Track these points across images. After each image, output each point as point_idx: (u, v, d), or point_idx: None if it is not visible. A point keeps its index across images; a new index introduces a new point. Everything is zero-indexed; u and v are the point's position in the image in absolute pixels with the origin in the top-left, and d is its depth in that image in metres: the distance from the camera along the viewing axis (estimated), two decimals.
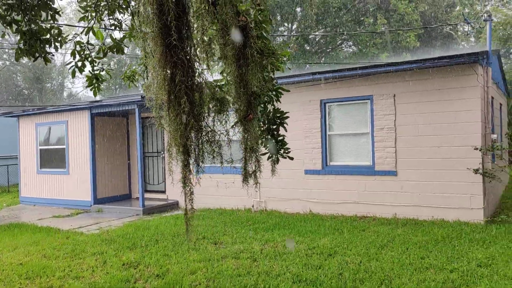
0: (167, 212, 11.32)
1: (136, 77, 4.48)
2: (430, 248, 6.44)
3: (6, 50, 39.84)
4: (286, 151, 3.21)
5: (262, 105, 2.83)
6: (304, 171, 10.03)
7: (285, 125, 3.15)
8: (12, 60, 40.54)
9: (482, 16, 10.45)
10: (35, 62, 38.90)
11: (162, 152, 12.72)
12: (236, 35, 2.42)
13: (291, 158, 3.38)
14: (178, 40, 2.35)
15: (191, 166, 2.75)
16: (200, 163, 2.77)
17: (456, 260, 5.84)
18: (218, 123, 2.78)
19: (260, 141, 2.88)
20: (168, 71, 2.38)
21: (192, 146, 2.57)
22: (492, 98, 9.89)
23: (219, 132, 2.73)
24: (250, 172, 3.04)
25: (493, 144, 8.20)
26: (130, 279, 5.71)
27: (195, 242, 7.51)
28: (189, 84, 2.36)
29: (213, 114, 2.78)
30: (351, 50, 33.15)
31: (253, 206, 10.69)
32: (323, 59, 28.49)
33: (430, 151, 8.52)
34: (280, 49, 2.85)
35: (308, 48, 29.17)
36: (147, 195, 12.25)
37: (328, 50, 30.27)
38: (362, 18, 27.40)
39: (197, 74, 2.47)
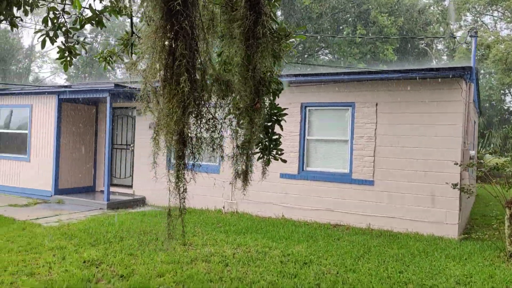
0: (133, 208, 10.79)
1: (114, 59, 4.06)
2: (407, 262, 6.28)
3: None
4: (279, 152, 2.90)
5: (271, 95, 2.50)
6: (279, 175, 9.76)
7: (282, 123, 2.84)
8: None
9: (468, 32, 10.54)
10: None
11: (131, 145, 12.15)
12: (246, 11, 2.07)
13: (284, 161, 3.08)
14: (183, 5, 1.97)
15: (186, 159, 2.40)
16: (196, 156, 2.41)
17: (434, 276, 5.69)
18: (220, 110, 2.41)
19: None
20: (167, 42, 2.00)
21: (189, 135, 2.22)
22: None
23: (221, 121, 2.36)
24: (239, 172, 2.72)
25: (472, 160, 8.19)
26: (92, 278, 5.24)
27: (162, 243, 7.09)
28: (191, 60, 1.99)
29: (212, 100, 2.40)
30: (327, 58, 33.33)
31: (224, 207, 10.32)
32: (299, 64, 28.45)
33: (408, 163, 8.43)
34: (295, 32, 2.53)
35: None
36: (112, 188, 11.65)
37: (305, 56, 30.30)
38: (341, 27, 27.57)
39: (201, 49, 2.10)
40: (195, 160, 2.44)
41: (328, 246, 7.07)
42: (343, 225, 8.94)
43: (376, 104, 8.78)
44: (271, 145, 2.83)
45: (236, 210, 10.22)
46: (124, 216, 9.22)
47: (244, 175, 2.75)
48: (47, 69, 56.28)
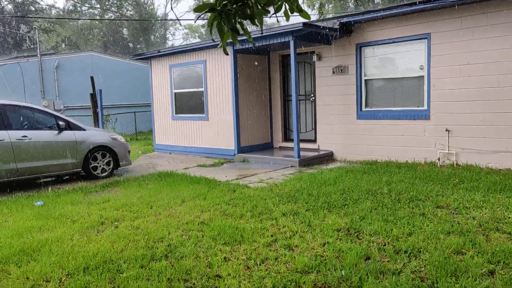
0: (325, 164, 9.67)
1: None
2: None
3: (115, 1, 40.45)
4: None
5: None
6: None
7: None
8: (119, 12, 41.19)
9: None
10: (141, 12, 38.56)
11: (311, 95, 10.94)
12: None
13: None
14: None
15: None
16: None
17: None
18: None
19: None
20: None
21: None
22: None
23: None
24: None
25: None
26: (370, 254, 4.06)
27: (409, 203, 5.72)
28: None
29: None
30: None
31: (439, 159, 8.57)
32: None
33: None
34: None
35: None
36: (292, 144, 10.69)
37: None
38: None
39: None
40: None
41: None
42: None
43: None
44: None
45: (455, 161, 8.40)
46: (328, 174, 8.09)
47: None
48: (179, 36, 59.05)
